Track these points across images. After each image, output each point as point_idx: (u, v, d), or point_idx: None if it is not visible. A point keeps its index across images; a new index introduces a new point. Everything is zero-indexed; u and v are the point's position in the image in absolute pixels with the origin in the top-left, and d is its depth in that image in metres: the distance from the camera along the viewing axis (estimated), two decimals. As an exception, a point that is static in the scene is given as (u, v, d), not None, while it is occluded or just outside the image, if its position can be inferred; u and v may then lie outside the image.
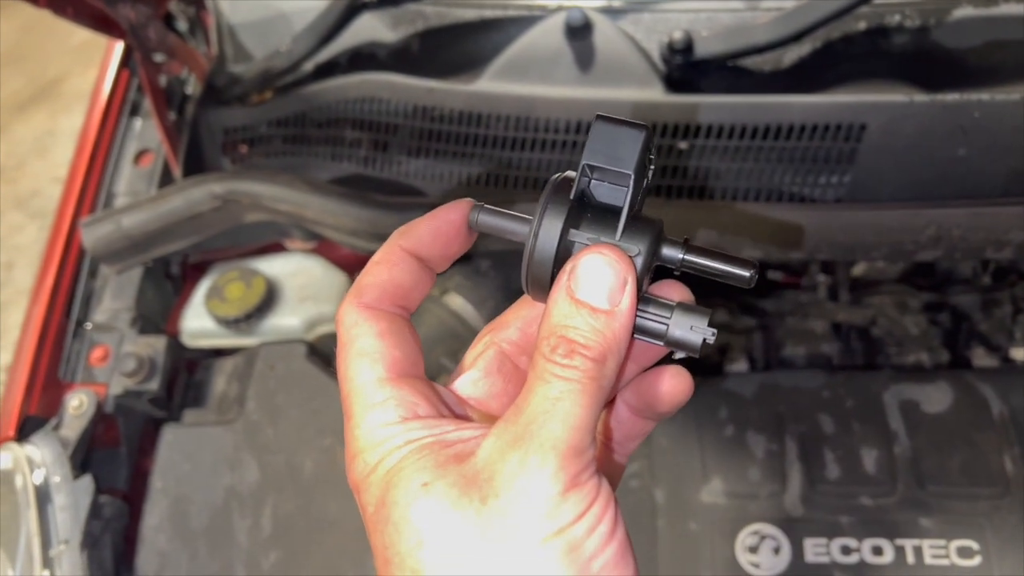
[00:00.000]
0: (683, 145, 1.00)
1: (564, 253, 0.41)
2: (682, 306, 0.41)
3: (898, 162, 0.96)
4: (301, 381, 1.07)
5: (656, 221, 0.42)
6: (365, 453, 0.39)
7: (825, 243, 0.97)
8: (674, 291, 0.44)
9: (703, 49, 1.00)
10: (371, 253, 0.46)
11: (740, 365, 1.15)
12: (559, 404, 0.37)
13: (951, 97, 0.93)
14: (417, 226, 0.44)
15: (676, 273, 0.43)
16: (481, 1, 1.09)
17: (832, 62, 1.01)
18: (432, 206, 0.45)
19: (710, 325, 0.41)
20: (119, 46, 1.34)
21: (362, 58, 1.14)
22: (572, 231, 0.41)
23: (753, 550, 0.96)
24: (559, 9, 1.05)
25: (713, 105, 0.98)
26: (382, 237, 1.07)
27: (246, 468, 1.04)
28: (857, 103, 0.95)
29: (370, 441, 0.40)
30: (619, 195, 0.41)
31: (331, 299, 1.14)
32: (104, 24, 1.09)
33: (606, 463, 0.49)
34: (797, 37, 0.97)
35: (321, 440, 1.03)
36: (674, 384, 0.45)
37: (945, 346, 1.15)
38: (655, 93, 1.00)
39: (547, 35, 1.03)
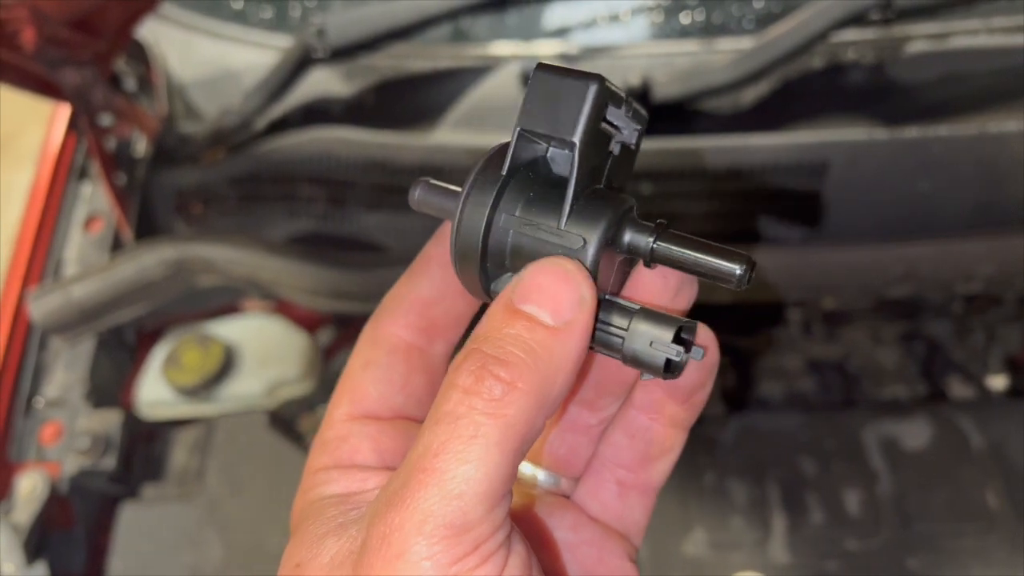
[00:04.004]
0: (647, 190, 0.98)
1: (497, 241, 0.33)
2: (644, 313, 0.32)
3: (862, 199, 0.95)
4: (263, 452, 1.03)
5: (621, 200, 0.33)
6: (297, 497, 0.35)
7: (794, 285, 0.95)
8: (656, 283, 0.35)
9: (661, 93, 0.99)
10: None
11: (716, 408, 1.13)
12: (440, 458, 0.28)
13: (910, 133, 0.92)
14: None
15: (651, 266, 0.34)
16: (434, 53, 1.07)
17: (791, 101, 1.01)
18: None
19: (678, 338, 0.31)
20: (66, 107, 1.30)
21: (315, 113, 1.12)
22: (505, 215, 0.32)
23: (740, 603, 0.93)
24: (514, 58, 1.04)
25: (675, 149, 0.97)
26: (342, 296, 1.05)
27: (209, 545, 0.99)
28: (818, 143, 0.94)
29: (303, 486, 0.35)
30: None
31: (292, 360, 1.10)
32: (48, 88, 1.06)
33: (624, 506, 0.39)
34: (755, 77, 0.97)
35: (286, 513, 0.99)
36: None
37: (921, 377, 1.14)
38: (615, 139, 0.99)
39: (502, 86, 1.01)
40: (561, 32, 1.12)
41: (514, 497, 0.39)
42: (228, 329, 1.14)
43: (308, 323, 1.17)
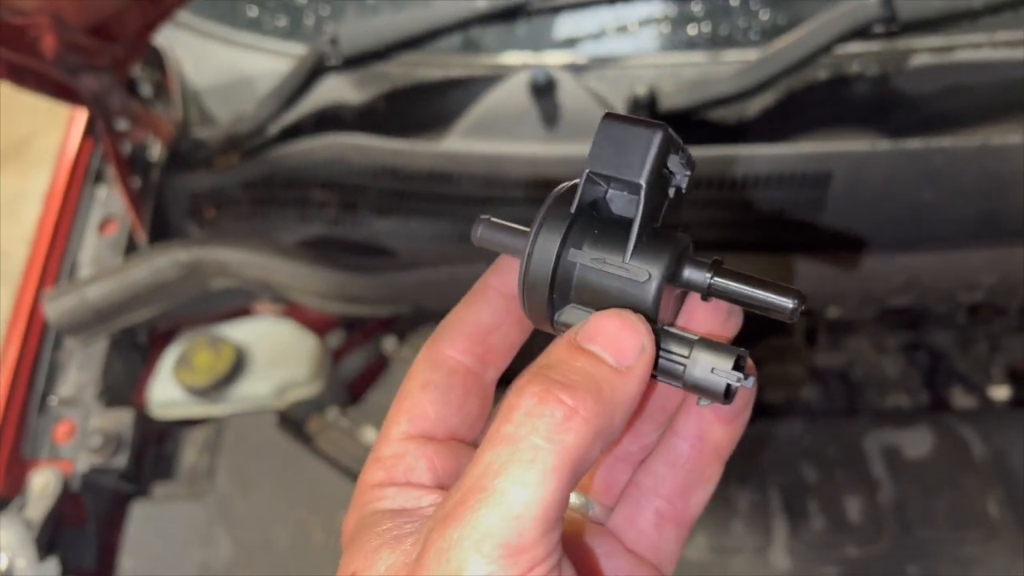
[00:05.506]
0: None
1: (564, 273, 0.35)
2: (703, 343, 0.35)
3: (865, 209, 0.96)
4: (272, 452, 1.05)
5: (679, 239, 0.36)
6: (350, 512, 0.36)
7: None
8: (709, 317, 0.37)
9: (667, 103, 1.00)
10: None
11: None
12: (500, 479, 0.29)
13: (913, 145, 0.94)
14: (509, 259, 0.38)
15: (707, 299, 0.37)
16: (445, 62, 1.09)
17: (796, 112, 1.02)
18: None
19: (738, 366, 0.34)
20: (83, 112, 1.32)
21: (328, 120, 1.14)
22: (573, 250, 0.35)
23: (741, 608, 0.94)
24: (523, 67, 1.06)
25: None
26: (352, 300, 1.06)
27: (219, 543, 1.00)
28: (821, 153, 0.95)
29: (356, 501, 0.36)
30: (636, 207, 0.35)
31: (302, 363, 1.12)
32: (66, 93, 1.08)
33: (660, 538, 0.40)
34: (760, 88, 0.98)
35: (295, 512, 1.01)
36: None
37: (924, 387, 1.15)
38: (622, 148, 1.00)
39: (512, 94, 1.03)
40: (570, 43, 1.13)
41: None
42: (239, 331, 1.15)
43: (318, 326, 1.19)
